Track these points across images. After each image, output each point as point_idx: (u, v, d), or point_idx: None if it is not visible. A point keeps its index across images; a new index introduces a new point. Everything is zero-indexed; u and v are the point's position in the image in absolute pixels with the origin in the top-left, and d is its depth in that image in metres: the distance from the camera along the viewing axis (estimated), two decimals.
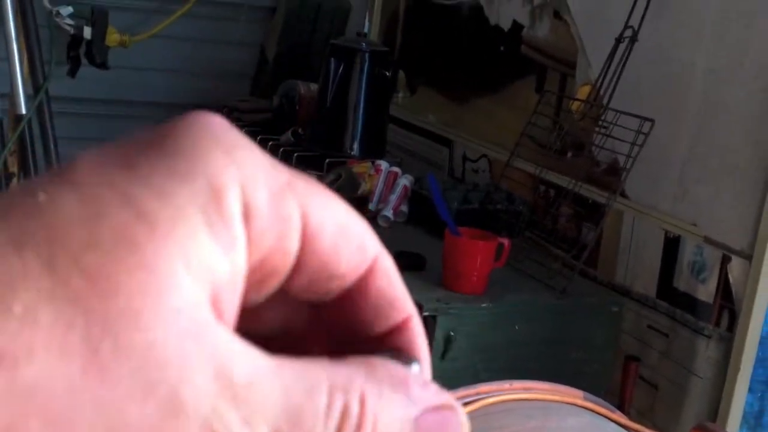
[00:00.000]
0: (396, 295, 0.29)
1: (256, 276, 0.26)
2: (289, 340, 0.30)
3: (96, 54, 2.83)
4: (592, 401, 1.25)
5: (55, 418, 0.21)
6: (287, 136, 2.67)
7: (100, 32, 2.83)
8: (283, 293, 0.28)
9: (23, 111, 2.63)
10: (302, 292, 0.28)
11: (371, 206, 2.38)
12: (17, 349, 0.21)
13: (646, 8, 2.10)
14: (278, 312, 0.30)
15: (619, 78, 2.12)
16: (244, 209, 0.25)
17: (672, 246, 2.07)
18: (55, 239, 0.22)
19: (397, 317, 0.29)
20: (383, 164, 2.47)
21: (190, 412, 0.22)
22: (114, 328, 0.22)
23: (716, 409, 1.95)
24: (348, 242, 0.27)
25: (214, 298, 0.24)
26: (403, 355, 0.29)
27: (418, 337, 0.29)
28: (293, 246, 0.26)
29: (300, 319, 0.30)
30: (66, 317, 0.22)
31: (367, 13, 3.22)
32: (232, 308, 0.25)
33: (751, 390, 1.92)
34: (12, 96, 2.65)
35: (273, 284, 0.27)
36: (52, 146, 2.63)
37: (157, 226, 0.23)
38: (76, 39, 2.81)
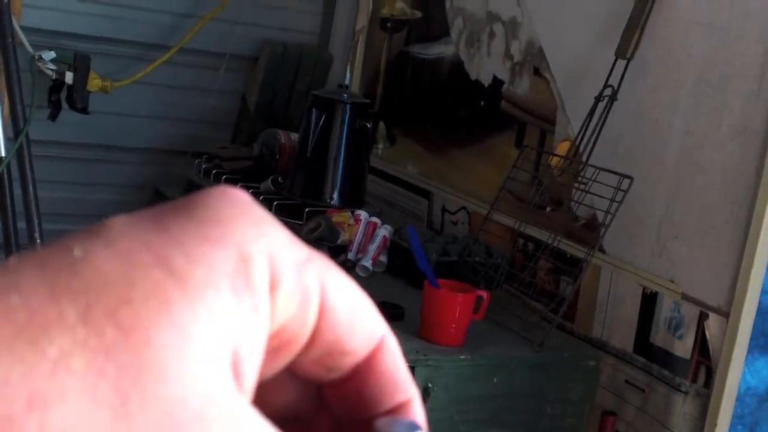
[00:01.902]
0: (400, 376, 0.30)
1: (274, 344, 0.27)
2: (297, 424, 0.31)
3: (77, 99, 2.83)
4: None
5: None
6: (267, 184, 2.67)
7: (81, 77, 2.84)
8: (290, 377, 0.29)
9: (3, 153, 2.62)
10: (313, 366, 0.29)
11: (350, 256, 2.38)
12: (49, 392, 0.22)
13: (626, 68, 2.14)
14: (286, 394, 0.31)
15: (598, 135, 2.15)
16: (270, 279, 0.26)
17: (649, 302, 2.09)
18: (90, 292, 0.23)
19: (400, 398, 0.30)
20: (363, 214, 2.48)
21: None
22: (142, 380, 0.23)
23: None
24: (361, 319, 0.28)
25: (235, 364, 0.25)
26: (406, 420, 0.29)
27: (419, 419, 0.30)
28: (311, 317, 0.27)
29: (307, 402, 0.31)
30: (98, 366, 0.22)
31: (349, 65, 3.25)
32: (251, 376, 0.25)
33: None
34: None
35: (288, 355, 0.28)
36: (31, 189, 2.62)
37: (188, 287, 0.24)
38: (57, 84, 2.82)
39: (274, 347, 0.27)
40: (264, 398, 0.29)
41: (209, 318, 0.24)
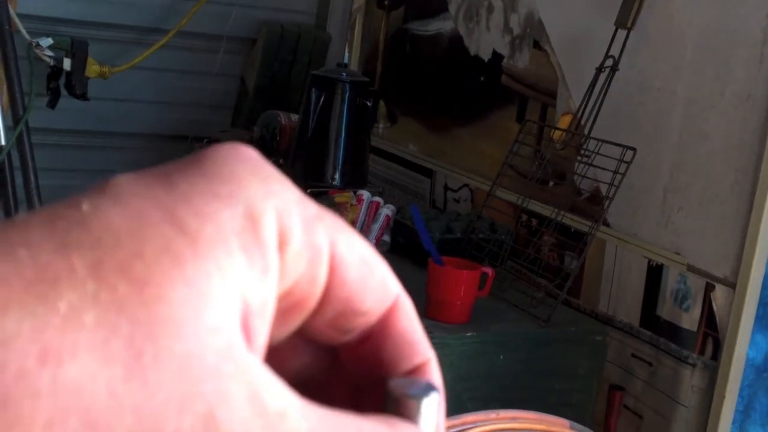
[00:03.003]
0: (417, 337, 0.29)
1: (285, 304, 0.26)
2: (311, 389, 0.30)
3: (76, 85, 2.82)
4: (578, 430, 1.25)
5: (94, 420, 0.21)
6: None
7: (79, 64, 2.83)
8: (302, 340, 0.28)
9: (3, 142, 2.61)
10: (326, 327, 0.28)
11: None
12: (62, 347, 0.22)
13: (626, 38, 2.12)
14: (299, 357, 0.30)
15: (600, 107, 2.13)
16: (279, 236, 0.25)
17: (655, 274, 2.07)
18: (101, 247, 0.23)
19: (417, 360, 0.29)
20: (365, 194, 2.47)
21: None
22: (156, 335, 0.22)
23: None
24: (373, 277, 0.28)
25: (246, 322, 0.24)
26: (422, 380, 0.28)
27: (436, 381, 0.30)
28: (322, 275, 0.26)
29: (321, 366, 0.31)
30: (110, 320, 0.22)
31: (347, 44, 3.23)
32: (262, 335, 0.25)
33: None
34: None
35: (300, 315, 0.27)
36: (32, 177, 2.61)
37: (199, 244, 0.24)
38: (55, 70, 2.80)
39: (285, 307, 0.26)
40: (279, 362, 0.29)
41: (220, 275, 0.24)
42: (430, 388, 0.28)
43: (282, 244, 0.25)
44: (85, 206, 0.24)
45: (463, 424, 1.28)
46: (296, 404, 0.24)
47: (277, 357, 0.28)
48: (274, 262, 0.25)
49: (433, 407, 0.27)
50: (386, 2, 3.06)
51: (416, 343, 0.29)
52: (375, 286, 0.28)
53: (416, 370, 0.29)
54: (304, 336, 0.28)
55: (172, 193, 0.24)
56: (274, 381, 0.24)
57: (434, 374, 0.29)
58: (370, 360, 0.29)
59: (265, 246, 0.25)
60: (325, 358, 0.30)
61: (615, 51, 2.13)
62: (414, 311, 0.29)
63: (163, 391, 0.22)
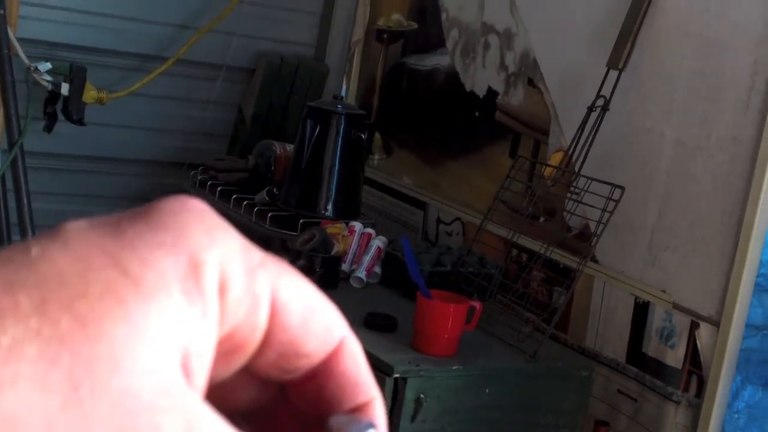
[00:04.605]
0: (361, 378, 0.30)
1: (225, 347, 0.27)
2: (261, 423, 0.32)
3: (73, 110, 2.83)
4: None
5: None
6: (262, 195, 2.68)
7: (77, 89, 2.84)
8: (252, 375, 0.30)
9: None
10: (270, 368, 0.29)
11: (344, 267, 2.39)
12: (2, 377, 0.23)
13: (618, 79, 2.15)
14: (247, 391, 0.31)
15: (590, 146, 2.16)
16: (220, 284, 0.26)
17: (641, 311, 2.09)
18: (46, 286, 0.24)
19: (360, 399, 0.30)
20: (357, 225, 2.48)
21: None
22: (96, 370, 0.24)
23: None
24: (316, 321, 0.29)
25: (185, 362, 0.25)
26: (362, 419, 0.30)
27: (379, 420, 0.31)
28: (262, 320, 0.28)
29: (270, 401, 0.32)
30: (51, 354, 0.23)
31: (345, 76, 3.26)
32: (201, 375, 0.26)
33: None
34: None
35: (241, 357, 0.28)
36: (25, 200, 2.62)
37: (141, 288, 0.25)
38: (53, 95, 2.82)
39: (226, 350, 0.28)
40: (225, 395, 0.30)
41: (161, 317, 0.25)
42: (369, 426, 0.29)
43: (222, 290, 0.26)
44: (35, 250, 0.25)
45: None
46: None
47: (225, 393, 0.30)
48: (214, 308, 0.26)
49: None
50: (385, 36, 3.10)
51: (360, 383, 0.30)
52: (317, 330, 0.29)
53: (359, 409, 0.30)
54: (251, 372, 0.29)
55: (119, 241, 0.26)
56: (211, 416, 0.25)
57: (377, 413, 0.30)
58: (315, 398, 0.30)
59: (206, 292, 0.26)
60: (273, 391, 0.32)
61: (606, 91, 2.16)
62: (361, 352, 0.31)
63: (99, 422, 0.23)
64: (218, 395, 0.28)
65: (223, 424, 0.26)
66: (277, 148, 2.83)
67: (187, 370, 0.25)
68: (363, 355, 0.31)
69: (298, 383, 0.30)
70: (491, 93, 2.62)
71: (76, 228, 0.26)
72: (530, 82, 2.49)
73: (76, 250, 0.25)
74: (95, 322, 0.24)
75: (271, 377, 0.30)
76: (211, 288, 0.26)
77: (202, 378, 0.26)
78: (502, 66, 2.59)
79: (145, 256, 0.26)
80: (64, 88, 2.81)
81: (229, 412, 0.27)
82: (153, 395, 0.24)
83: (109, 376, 0.24)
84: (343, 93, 3.17)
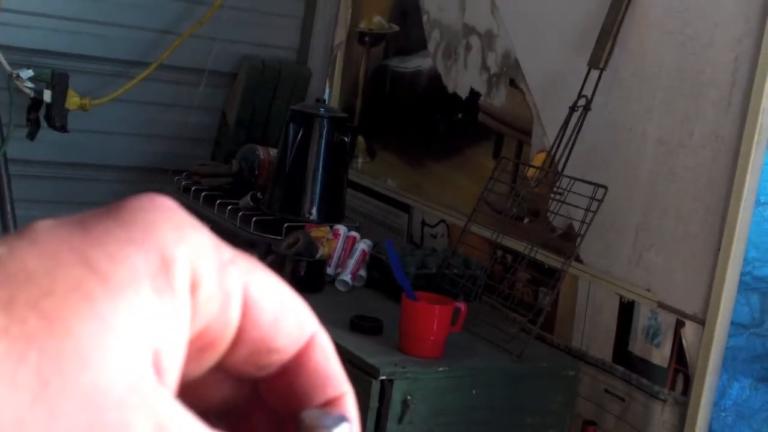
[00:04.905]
0: (332, 372, 0.30)
1: (197, 344, 0.27)
2: (234, 420, 0.32)
3: (56, 117, 2.82)
4: None
5: None
6: (246, 200, 2.67)
7: (60, 96, 2.83)
8: (224, 374, 0.30)
9: None
10: (242, 364, 0.29)
11: (329, 271, 2.38)
12: None
13: (599, 79, 2.15)
14: (221, 390, 0.31)
15: (573, 146, 2.16)
16: (191, 281, 0.26)
17: (627, 310, 2.09)
18: (14, 285, 0.24)
19: (332, 393, 0.30)
20: (341, 229, 2.48)
21: None
22: (64, 366, 0.23)
23: None
24: (287, 317, 0.29)
25: (156, 359, 0.25)
26: (334, 412, 0.30)
27: (350, 413, 0.31)
28: (234, 317, 0.28)
29: (243, 398, 0.32)
30: (18, 352, 0.23)
31: (328, 80, 3.26)
32: (172, 372, 0.26)
33: None
34: None
35: (214, 355, 0.28)
36: (8, 208, 2.62)
37: (110, 284, 0.25)
38: (35, 102, 2.81)
39: (198, 347, 0.28)
40: (199, 394, 0.30)
41: (130, 314, 0.25)
42: (341, 419, 0.29)
43: (194, 287, 0.26)
44: (2, 249, 0.25)
45: None
46: None
47: (198, 391, 0.30)
48: (185, 304, 0.26)
49: None
50: (367, 39, 3.10)
51: (331, 377, 0.30)
52: (288, 325, 0.29)
53: (331, 403, 0.30)
54: (224, 370, 0.29)
55: (88, 238, 0.26)
56: (182, 412, 0.25)
57: (349, 407, 0.31)
58: (287, 393, 0.30)
59: (177, 289, 0.26)
60: (246, 389, 0.31)
61: (588, 91, 2.16)
62: (331, 347, 0.31)
63: (67, 418, 0.23)
64: (191, 393, 0.28)
65: (194, 421, 0.25)
66: (261, 152, 2.83)
67: (157, 368, 0.25)
68: (334, 351, 0.31)
69: (270, 380, 0.30)
70: (474, 94, 2.63)
71: (44, 227, 0.26)
72: (512, 83, 2.49)
73: (44, 248, 0.25)
74: (62, 319, 0.24)
75: (244, 374, 0.30)
76: (183, 284, 0.26)
77: (173, 375, 0.26)
78: (484, 67, 2.59)
79: (114, 252, 0.25)
80: (47, 95, 2.80)
81: (202, 411, 0.27)
82: (122, 392, 0.24)
83: (77, 373, 0.24)
84: (326, 96, 3.16)
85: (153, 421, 0.24)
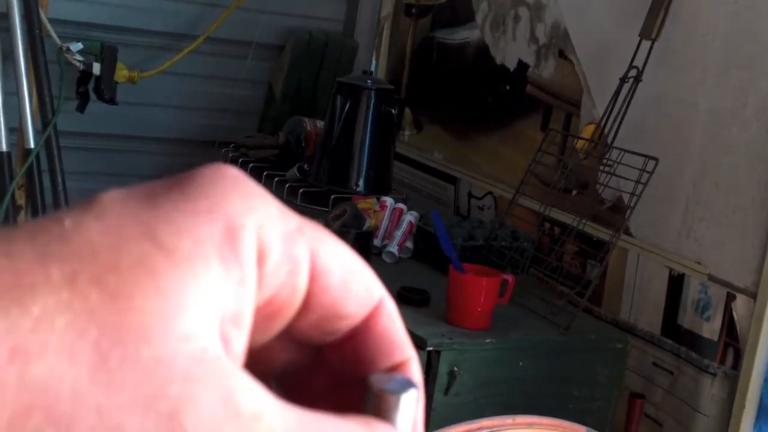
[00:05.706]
0: (398, 337, 0.31)
1: (265, 312, 0.27)
2: (296, 385, 0.32)
3: (105, 90, 2.85)
4: None
5: (57, 416, 0.23)
6: (293, 171, 2.68)
7: (109, 68, 2.86)
8: (288, 339, 0.30)
9: (32, 145, 2.65)
10: (310, 330, 0.29)
11: (376, 242, 2.39)
12: (31, 346, 0.23)
13: (650, 49, 2.12)
14: (282, 355, 0.31)
15: (623, 117, 2.14)
16: (258, 250, 0.26)
17: (676, 284, 2.08)
18: (78, 259, 0.24)
19: (397, 358, 0.30)
20: (388, 201, 2.48)
21: None
22: (125, 341, 0.24)
23: None
24: (355, 283, 0.29)
25: (223, 330, 0.25)
26: (402, 377, 0.30)
27: (416, 378, 0.31)
28: (302, 284, 0.28)
29: (305, 363, 0.32)
30: (80, 325, 0.24)
31: (374, 52, 3.25)
32: (239, 343, 0.26)
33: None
34: (21, 130, 2.68)
35: (281, 321, 0.28)
36: (59, 180, 2.65)
37: (175, 258, 0.25)
38: (85, 75, 2.84)
39: (266, 314, 0.28)
40: (263, 357, 0.30)
41: (197, 287, 0.25)
42: (409, 384, 0.29)
43: (261, 257, 0.26)
44: (68, 222, 0.25)
45: (479, 428, 1.29)
46: (273, 406, 0.25)
47: (262, 356, 0.30)
48: (252, 275, 0.26)
49: (410, 403, 0.29)
50: (414, 10, 3.08)
51: (397, 342, 0.30)
52: (357, 291, 0.29)
53: (397, 368, 0.30)
54: (289, 335, 0.30)
55: (154, 211, 0.26)
56: (250, 384, 0.25)
57: (414, 372, 0.31)
58: (353, 358, 0.31)
59: (243, 259, 0.26)
60: (310, 355, 0.32)
61: (639, 62, 2.14)
62: (397, 313, 0.31)
63: (127, 392, 0.23)
64: (255, 360, 0.28)
65: (262, 392, 0.25)
66: (308, 124, 2.83)
67: (225, 339, 0.25)
68: (399, 315, 0.31)
69: (336, 345, 0.30)
70: (522, 66, 2.61)
71: (110, 199, 0.26)
72: (561, 54, 2.46)
73: (110, 221, 0.25)
74: (125, 295, 0.24)
75: (311, 340, 0.30)
76: (249, 254, 0.26)
77: (240, 345, 0.26)
78: (533, 38, 2.56)
79: (180, 224, 0.26)
80: (96, 68, 2.83)
81: (263, 376, 0.27)
82: (187, 364, 0.24)
83: (137, 347, 0.24)
84: (372, 68, 3.16)
85: (219, 393, 0.24)
